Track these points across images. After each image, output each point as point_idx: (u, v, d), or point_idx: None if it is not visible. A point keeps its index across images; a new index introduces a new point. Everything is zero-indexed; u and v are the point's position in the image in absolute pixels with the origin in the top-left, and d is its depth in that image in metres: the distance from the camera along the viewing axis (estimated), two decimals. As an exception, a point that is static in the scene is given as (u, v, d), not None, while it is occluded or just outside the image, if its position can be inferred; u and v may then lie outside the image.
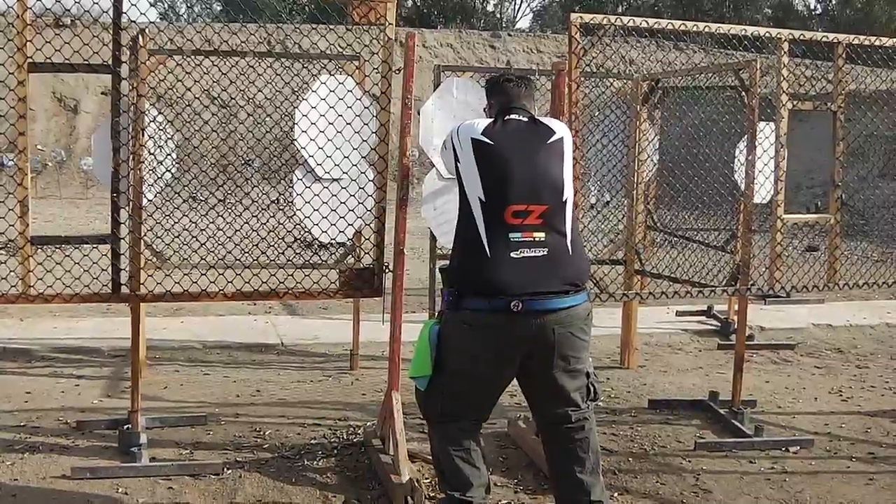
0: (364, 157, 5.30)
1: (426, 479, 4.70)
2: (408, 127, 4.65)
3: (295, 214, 5.73)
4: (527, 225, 3.71)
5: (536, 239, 3.71)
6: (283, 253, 6.06)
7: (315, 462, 4.93)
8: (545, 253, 3.71)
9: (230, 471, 4.76)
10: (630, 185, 6.72)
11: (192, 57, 5.69)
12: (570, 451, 3.94)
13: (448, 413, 3.94)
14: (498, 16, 41.98)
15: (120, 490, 4.50)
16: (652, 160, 7.11)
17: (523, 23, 42.89)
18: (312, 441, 5.25)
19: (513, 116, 3.95)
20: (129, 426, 4.93)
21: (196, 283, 4.90)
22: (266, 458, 4.96)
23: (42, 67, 4.26)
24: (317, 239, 5.70)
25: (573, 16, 5.04)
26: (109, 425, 5.28)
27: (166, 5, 40.23)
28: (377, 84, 4.79)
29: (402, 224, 4.67)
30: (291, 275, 5.25)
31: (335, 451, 5.09)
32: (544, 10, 44.22)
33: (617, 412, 6.02)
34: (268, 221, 5.86)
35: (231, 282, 4.94)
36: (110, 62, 4.25)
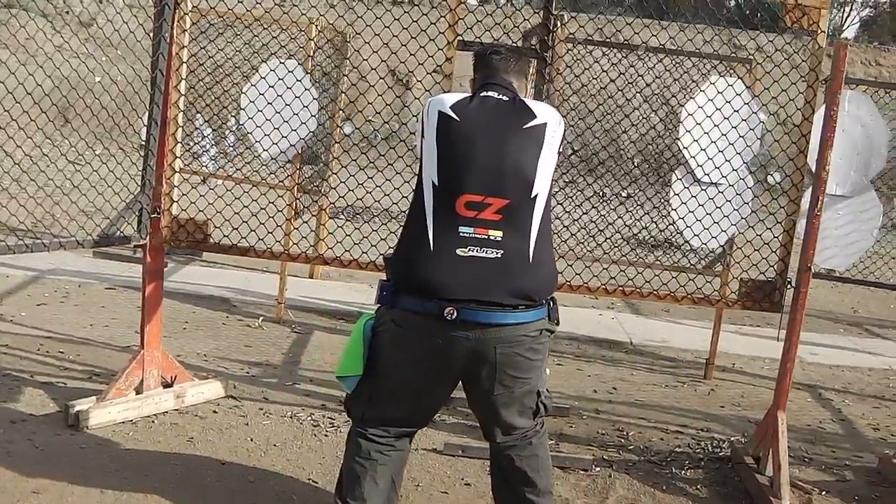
0: (746, 164, 5.11)
1: (804, 508, 4.47)
2: (830, 140, 4.40)
3: (669, 215, 5.61)
4: (481, 220, 3.14)
5: (491, 237, 3.14)
6: (633, 250, 5.95)
7: (683, 471, 4.79)
8: (499, 256, 3.14)
9: (598, 468, 4.71)
10: None
11: (584, 47, 5.71)
12: (517, 471, 3.47)
13: (369, 419, 3.41)
14: (822, 25, 39.58)
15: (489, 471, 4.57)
16: None
17: (849, 32, 40.10)
18: (677, 449, 5.11)
19: (491, 93, 3.34)
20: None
21: (561, 273, 4.86)
22: (633, 461, 4.88)
23: (471, 46, 4.37)
24: (689, 243, 5.54)
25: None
26: (475, 405, 5.40)
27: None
28: (792, 90, 4.58)
29: (813, 240, 4.44)
30: (640, 273, 5.17)
31: (702, 463, 4.92)
32: (872, 20, 41.16)
33: None
34: (641, 218, 5.78)
35: (590, 275, 4.87)
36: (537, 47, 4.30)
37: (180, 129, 4.42)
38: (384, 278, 3.34)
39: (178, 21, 4.25)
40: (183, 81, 4.34)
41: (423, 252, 3.17)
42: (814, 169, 4.74)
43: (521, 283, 3.18)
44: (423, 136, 3.29)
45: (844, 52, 4.41)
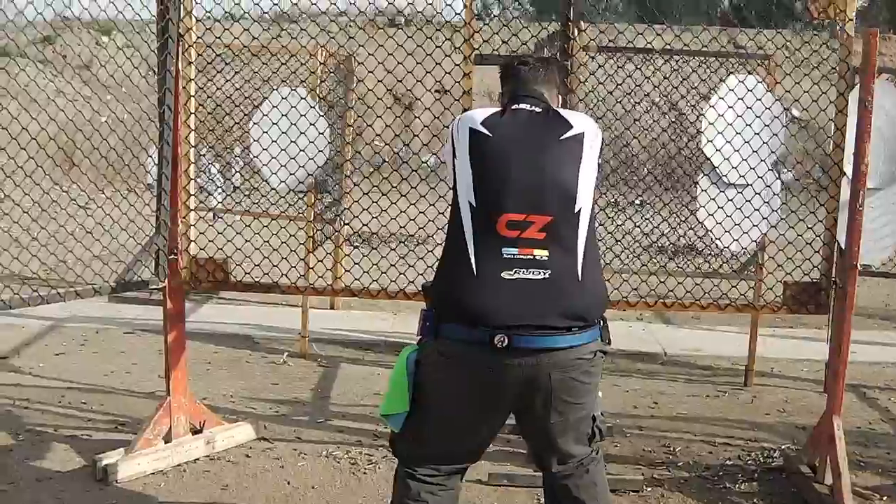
0: (780, 161, 4.95)
1: (873, 514, 4.29)
2: (867, 132, 4.23)
3: (704, 221, 5.42)
4: (525, 239, 2.95)
5: (537, 257, 2.95)
6: (671, 259, 5.76)
7: (736, 486, 4.61)
8: (546, 276, 2.94)
9: (650, 489, 4.54)
10: None
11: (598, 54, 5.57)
12: (574, 502, 3.22)
13: (417, 458, 3.19)
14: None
15: (539, 500, 4.36)
16: None
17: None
18: (728, 462, 4.92)
19: (523, 106, 3.15)
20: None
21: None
22: (684, 478, 4.69)
23: (488, 59, 4.24)
24: (728, 248, 5.35)
25: None
26: (513, 429, 5.21)
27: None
28: (811, 84, 4.41)
29: (857, 236, 4.26)
30: (681, 283, 4.99)
31: (755, 475, 4.74)
32: (868, 6, 40.77)
33: None
34: (679, 226, 5.60)
35: (629, 289, 4.71)
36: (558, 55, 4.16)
37: (192, 166, 4.26)
38: (425, 307, 3.16)
39: (183, 54, 4.11)
40: (192, 116, 4.20)
41: (466, 278, 2.98)
42: (846, 164, 4.57)
43: (571, 303, 2.98)
44: (454, 156, 3.10)
45: (875, 39, 4.22)
